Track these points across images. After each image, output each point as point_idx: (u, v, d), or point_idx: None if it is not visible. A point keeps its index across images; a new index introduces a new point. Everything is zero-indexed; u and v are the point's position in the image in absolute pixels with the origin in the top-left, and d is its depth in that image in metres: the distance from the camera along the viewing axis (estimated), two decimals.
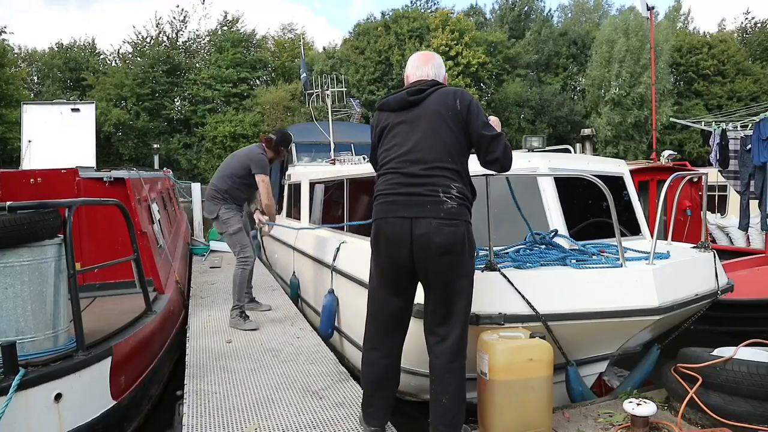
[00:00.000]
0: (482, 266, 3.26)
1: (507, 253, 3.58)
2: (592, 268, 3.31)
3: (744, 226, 7.75)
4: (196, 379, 3.95)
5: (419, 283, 2.83)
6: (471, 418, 3.23)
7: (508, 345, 2.91)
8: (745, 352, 3.13)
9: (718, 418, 2.97)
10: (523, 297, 3.13)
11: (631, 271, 3.27)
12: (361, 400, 3.08)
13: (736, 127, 7.97)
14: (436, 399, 2.73)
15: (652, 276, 3.22)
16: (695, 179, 7.89)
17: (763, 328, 4.65)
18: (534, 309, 3.11)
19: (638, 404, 2.98)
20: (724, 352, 3.17)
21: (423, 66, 2.91)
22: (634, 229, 4.54)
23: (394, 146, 2.76)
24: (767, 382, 2.93)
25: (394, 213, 2.67)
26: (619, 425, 3.12)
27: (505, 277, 3.17)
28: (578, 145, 10.55)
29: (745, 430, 2.90)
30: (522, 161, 4.12)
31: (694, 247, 4.08)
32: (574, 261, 3.40)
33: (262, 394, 3.64)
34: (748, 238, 9.10)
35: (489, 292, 3.17)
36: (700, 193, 8.31)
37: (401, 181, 2.69)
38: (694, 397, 3.09)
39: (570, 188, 4.10)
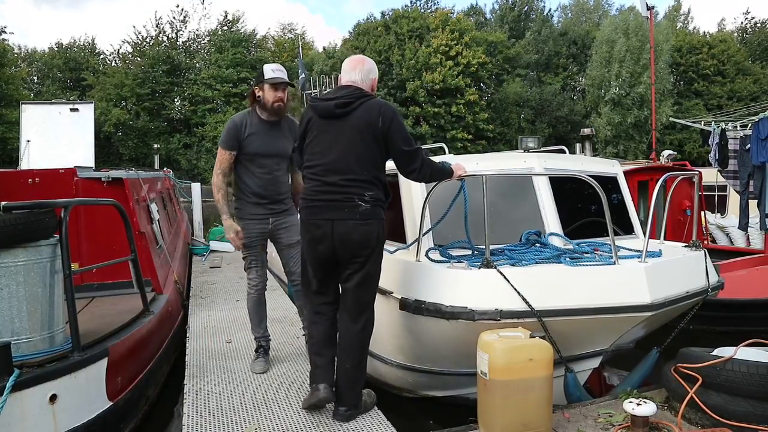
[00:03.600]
0: (479, 264, 3.31)
1: (503, 251, 3.61)
2: (586, 265, 3.37)
3: (743, 225, 7.73)
4: (196, 379, 3.94)
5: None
6: (471, 417, 3.23)
7: (508, 345, 2.91)
8: (745, 352, 3.12)
9: (718, 418, 2.96)
10: (518, 293, 3.16)
11: (624, 269, 3.34)
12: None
13: (736, 126, 7.96)
14: (339, 364, 3.23)
15: (644, 273, 3.28)
16: (695, 179, 7.87)
17: (763, 328, 4.64)
18: (529, 305, 3.15)
19: (638, 404, 2.97)
20: (724, 352, 3.16)
21: (351, 71, 3.20)
22: (627, 229, 4.60)
23: (318, 153, 3.14)
24: (767, 382, 2.92)
25: (318, 216, 3.10)
26: (619, 425, 3.11)
27: (501, 274, 3.20)
28: (578, 145, 10.53)
29: (745, 430, 2.88)
30: (518, 161, 4.14)
31: (685, 246, 4.12)
32: (569, 259, 3.46)
33: (262, 394, 3.63)
34: (748, 238, 9.08)
35: (486, 289, 3.22)
36: (700, 193, 8.29)
37: (323, 189, 3.10)
38: (694, 397, 3.08)
39: (565, 188, 4.13)
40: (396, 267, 3.75)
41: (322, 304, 3.32)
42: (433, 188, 3.67)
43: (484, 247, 3.33)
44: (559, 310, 3.20)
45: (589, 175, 3.50)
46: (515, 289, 3.17)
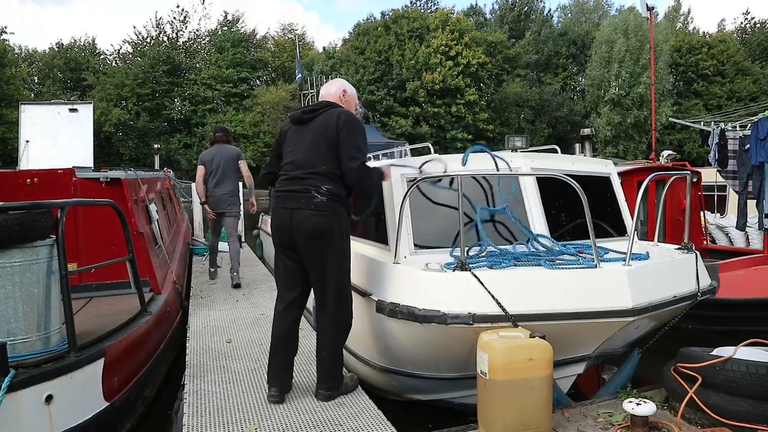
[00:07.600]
0: (453, 266, 3.22)
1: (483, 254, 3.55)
2: (566, 268, 3.25)
3: (741, 225, 7.69)
4: (196, 379, 3.94)
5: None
6: (471, 417, 3.22)
7: (507, 344, 2.90)
8: (745, 352, 3.11)
9: (718, 417, 2.95)
10: (492, 297, 3.06)
11: (605, 272, 3.21)
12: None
13: (735, 127, 7.95)
14: (318, 351, 3.51)
15: (626, 277, 3.16)
16: (695, 179, 7.85)
17: (762, 327, 4.62)
18: (504, 309, 3.05)
19: (638, 404, 2.97)
20: (724, 351, 3.15)
21: (328, 87, 3.71)
22: (621, 230, 4.49)
23: (288, 153, 3.52)
24: (766, 382, 2.91)
25: (280, 204, 3.42)
26: (619, 425, 3.10)
27: (475, 276, 3.11)
28: (577, 145, 10.54)
29: (745, 430, 2.88)
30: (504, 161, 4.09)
31: (677, 248, 4.02)
32: (548, 262, 3.34)
33: (262, 394, 3.62)
34: (747, 238, 9.06)
35: (459, 292, 3.13)
36: (700, 193, 8.28)
37: (288, 181, 3.44)
38: (694, 396, 3.07)
39: (557, 189, 4.04)
40: (374, 269, 3.71)
41: (288, 304, 3.53)
42: (409, 189, 3.62)
43: (468, 248, 3.26)
44: (535, 315, 3.08)
45: (581, 175, 3.41)
46: (489, 293, 3.06)
